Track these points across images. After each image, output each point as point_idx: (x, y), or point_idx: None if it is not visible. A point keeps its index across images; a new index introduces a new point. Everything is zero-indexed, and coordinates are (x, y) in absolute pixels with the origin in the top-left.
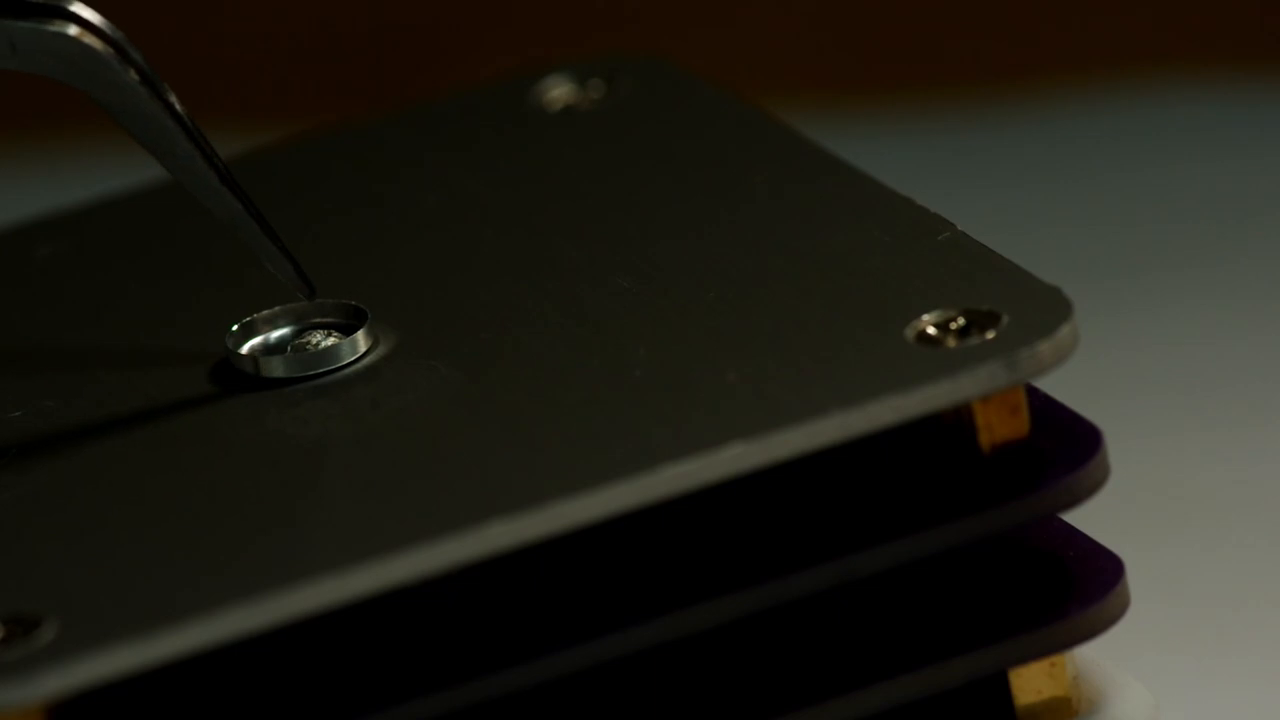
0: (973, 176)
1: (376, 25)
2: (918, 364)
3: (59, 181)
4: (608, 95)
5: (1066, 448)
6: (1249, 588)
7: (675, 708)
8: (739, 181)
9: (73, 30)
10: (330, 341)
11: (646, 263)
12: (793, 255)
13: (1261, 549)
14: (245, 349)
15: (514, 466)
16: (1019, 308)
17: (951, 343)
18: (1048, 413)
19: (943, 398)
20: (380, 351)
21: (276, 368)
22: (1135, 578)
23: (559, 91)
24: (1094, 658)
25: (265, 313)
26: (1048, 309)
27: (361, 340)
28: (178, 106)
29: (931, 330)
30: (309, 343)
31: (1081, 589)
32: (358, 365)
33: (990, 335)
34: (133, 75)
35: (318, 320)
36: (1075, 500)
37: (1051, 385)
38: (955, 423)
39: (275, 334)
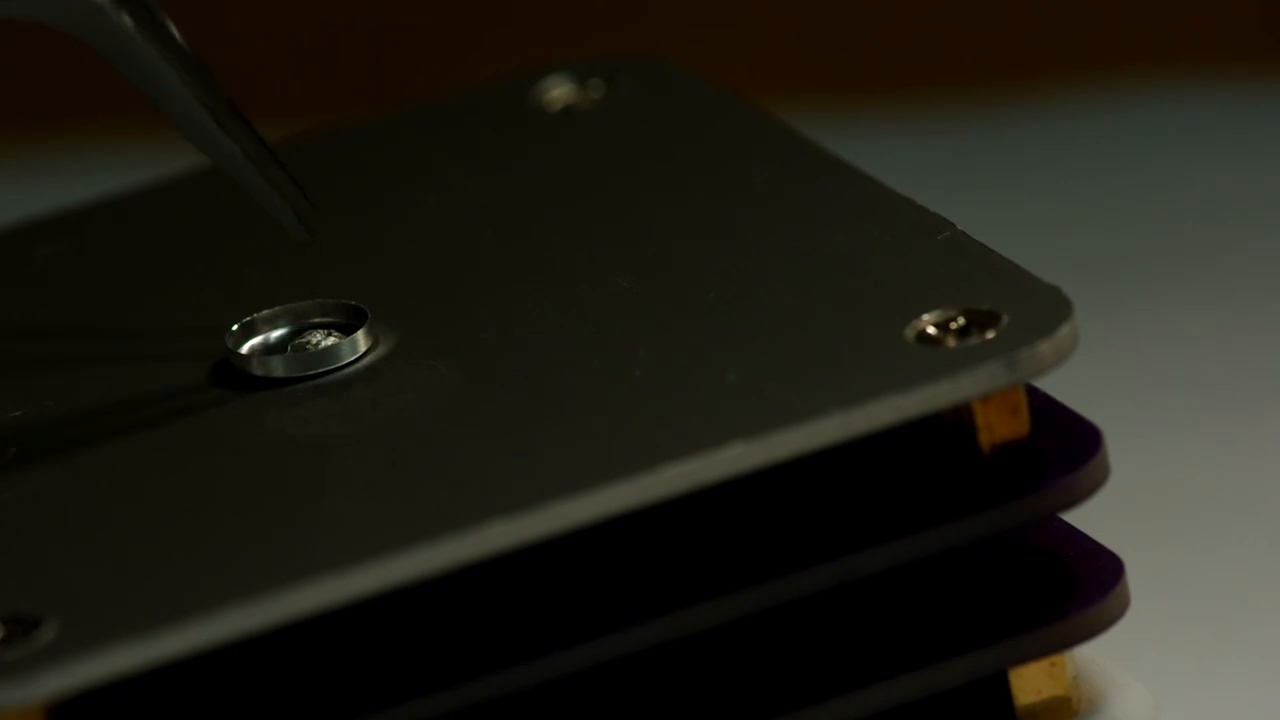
0: (973, 176)
1: (376, 25)
2: (918, 364)
3: (59, 181)
4: (608, 95)
5: (1066, 448)
6: (1249, 588)
7: (675, 708)
8: (739, 181)
9: None
10: (330, 341)
11: (646, 263)
12: (793, 255)
13: (1261, 549)
14: (245, 349)
15: (514, 466)
16: (1019, 308)
17: (951, 343)
18: (1048, 413)
19: (943, 398)
20: (380, 351)
21: (276, 368)
22: (1135, 578)
23: (559, 91)
24: (1094, 658)
25: (265, 313)
26: (1048, 309)
27: (361, 340)
28: (179, 38)
29: (931, 330)
30: (309, 343)
31: (1081, 589)
32: (358, 365)
33: (990, 335)
34: (127, 20)
35: (318, 320)
36: (1075, 500)
37: (1051, 385)
38: (955, 423)
39: (275, 334)
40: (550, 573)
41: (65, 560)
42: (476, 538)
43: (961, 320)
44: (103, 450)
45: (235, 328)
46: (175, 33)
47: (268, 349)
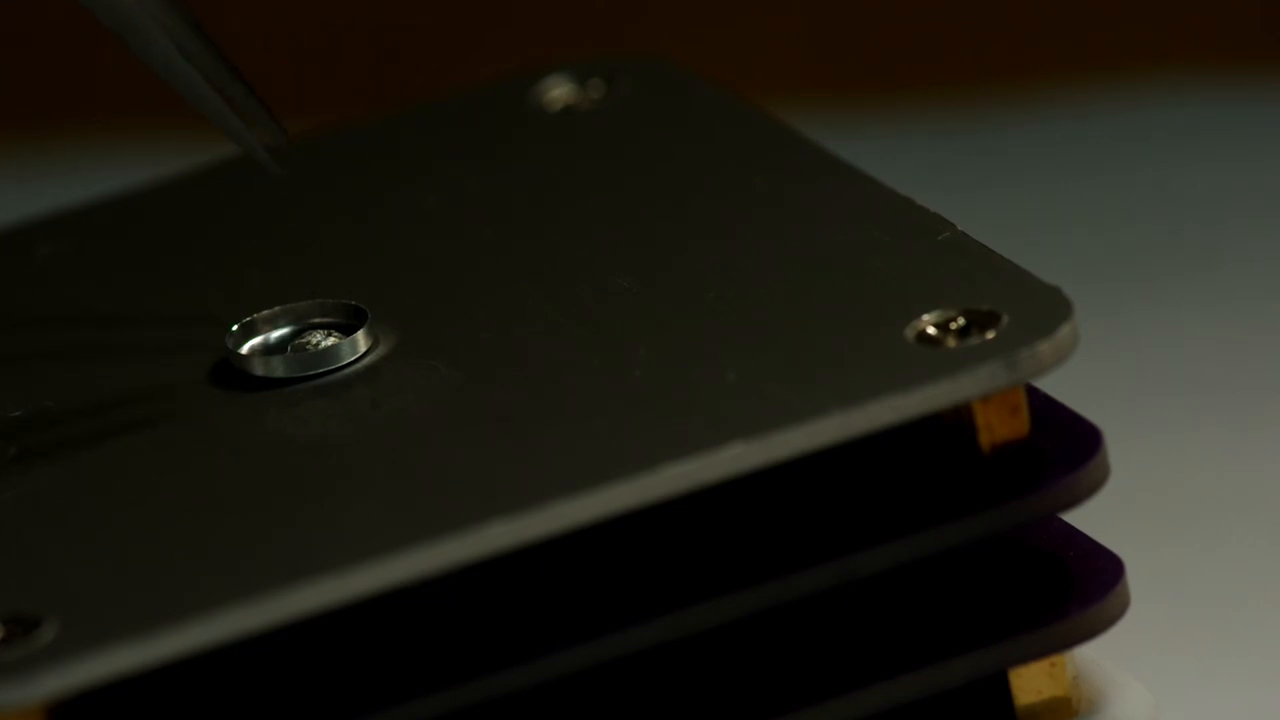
0: (973, 176)
1: (376, 25)
2: (918, 364)
3: (59, 181)
4: (608, 95)
5: (1066, 448)
6: (1249, 588)
7: (675, 708)
8: (739, 181)
9: None
10: (330, 341)
11: (646, 263)
12: (792, 255)
13: (1261, 549)
14: (245, 349)
15: (514, 466)
16: (1019, 308)
17: (951, 343)
18: (1048, 413)
19: (943, 398)
20: (380, 351)
21: (276, 368)
22: (1135, 578)
23: (559, 91)
24: (1094, 658)
25: (265, 313)
26: (1048, 309)
27: (361, 340)
28: None
29: (931, 330)
30: (309, 343)
31: (1081, 589)
32: (358, 365)
33: (990, 335)
34: None
35: (318, 320)
36: (1075, 500)
37: (1051, 385)
38: (955, 423)
39: (275, 334)
40: (550, 573)
41: (65, 560)
42: (476, 538)
43: (961, 320)
44: (103, 450)
45: (235, 328)
46: None
47: (268, 349)
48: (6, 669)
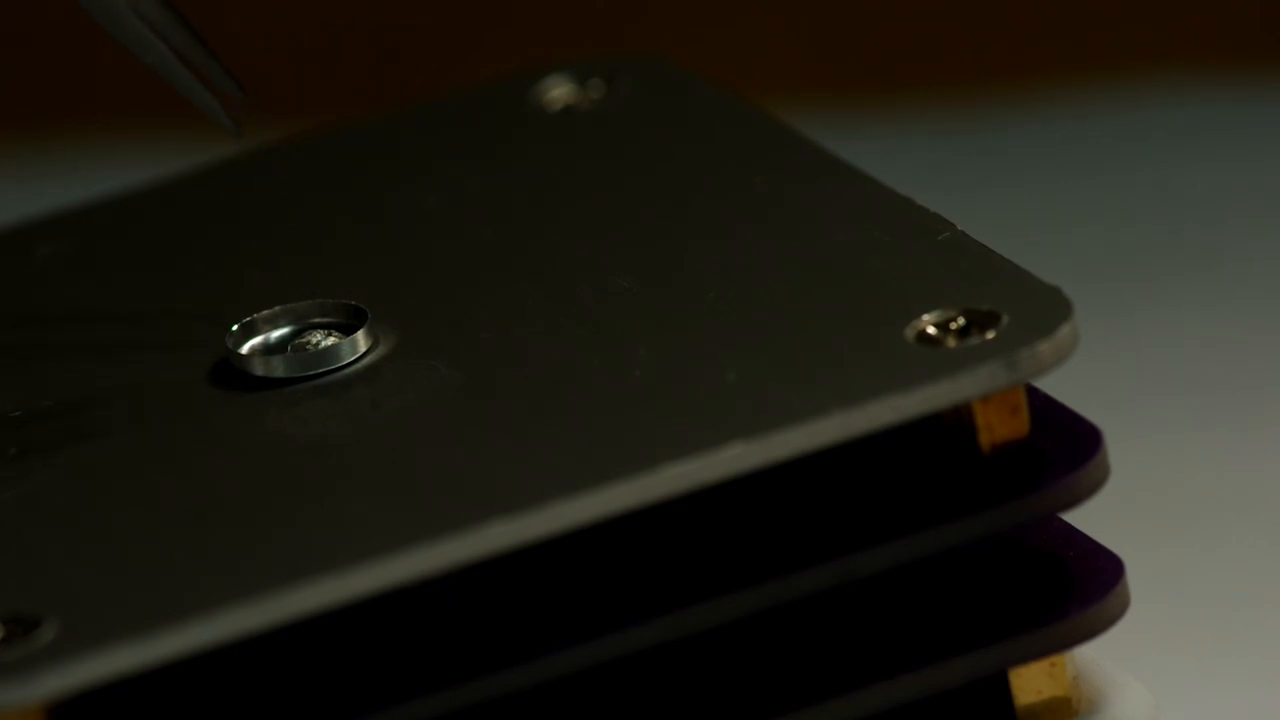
0: (973, 176)
1: (376, 25)
2: (918, 364)
3: (59, 181)
4: (608, 95)
5: (1066, 448)
6: (1249, 588)
7: (675, 708)
8: (739, 181)
9: None
10: (330, 341)
11: (646, 263)
12: (793, 255)
13: (1261, 549)
14: (245, 349)
15: (514, 466)
16: (1019, 308)
17: (951, 343)
18: (1048, 413)
19: (943, 398)
20: (380, 351)
21: (276, 368)
22: (1135, 578)
23: (559, 91)
24: (1094, 658)
25: (265, 313)
26: (1048, 309)
27: (361, 340)
28: None
29: (931, 330)
30: (309, 343)
31: (1081, 589)
32: (358, 365)
33: (990, 335)
34: None
35: (318, 320)
36: (1075, 500)
37: (1051, 385)
38: (955, 423)
39: (275, 334)
40: (550, 573)
41: (65, 560)
42: (476, 538)
43: (961, 320)
44: (103, 450)
45: (235, 328)
46: None
47: (268, 349)
48: (6, 669)
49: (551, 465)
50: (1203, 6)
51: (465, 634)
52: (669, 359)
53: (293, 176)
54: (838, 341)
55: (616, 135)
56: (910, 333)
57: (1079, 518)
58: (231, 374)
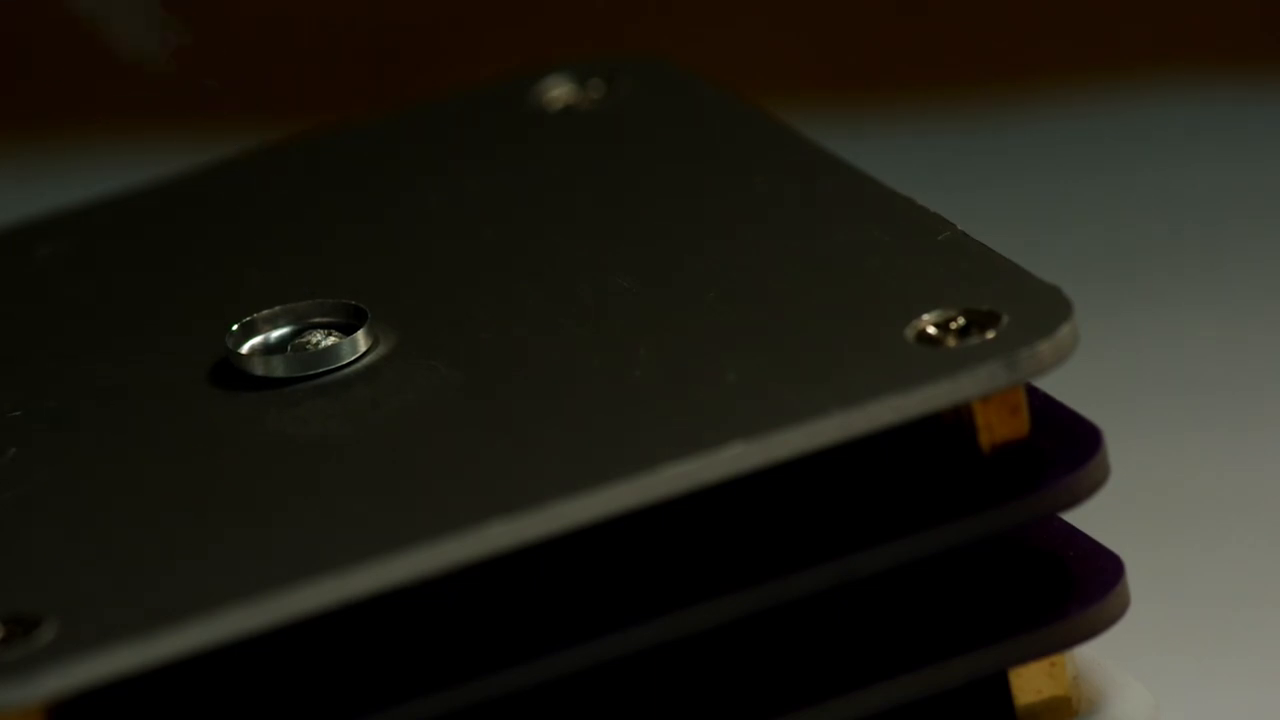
0: (973, 176)
1: (376, 25)
2: (918, 364)
3: (59, 181)
4: (608, 95)
5: (1066, 448)
6: (1249, 588)
7: (675, 708)
8: (739, 181)
9: None
10: (330, 341)
11: (647, 262)
12: (793, 255)
13: (1261, 549)
14: (245, 349)
15: (514, 466)
16: (1019, 308)
17: (951, 343)
18: (1048, 413)
19: (943, 398)
20: (380, 351)
21: (276, 367)
22: (1135, 578)
23: (559, 91)
24: (1094, 658)
25: (265, 313)
26: (1048, 309)
27: (361, 340)
28: None
29: (931, 330)
30: (309, 342)
31: (1081, 589)
32: (358, 365)
33: (990, 335)
34: None
35: (318, 320)
36: (1075, 500)
37: (1051, 385)
38: (955, 423)
39: (275, 334)
40: (550, 573)
41: (65, 560)
42: (476, 538)
43: (961, 320)
44: (102, 450)
45: (235, 328)
46: None
47: (268, 348)
48: (6, 669)
49: (551, 465)
50: (1203, 6)
51: (465, 634)
52: (669, 359)
53: (293, 176)
54: (838, 341)
55: (616, 135)
56: (910, 333)
57: (1079, 518)
58: (231, 374)
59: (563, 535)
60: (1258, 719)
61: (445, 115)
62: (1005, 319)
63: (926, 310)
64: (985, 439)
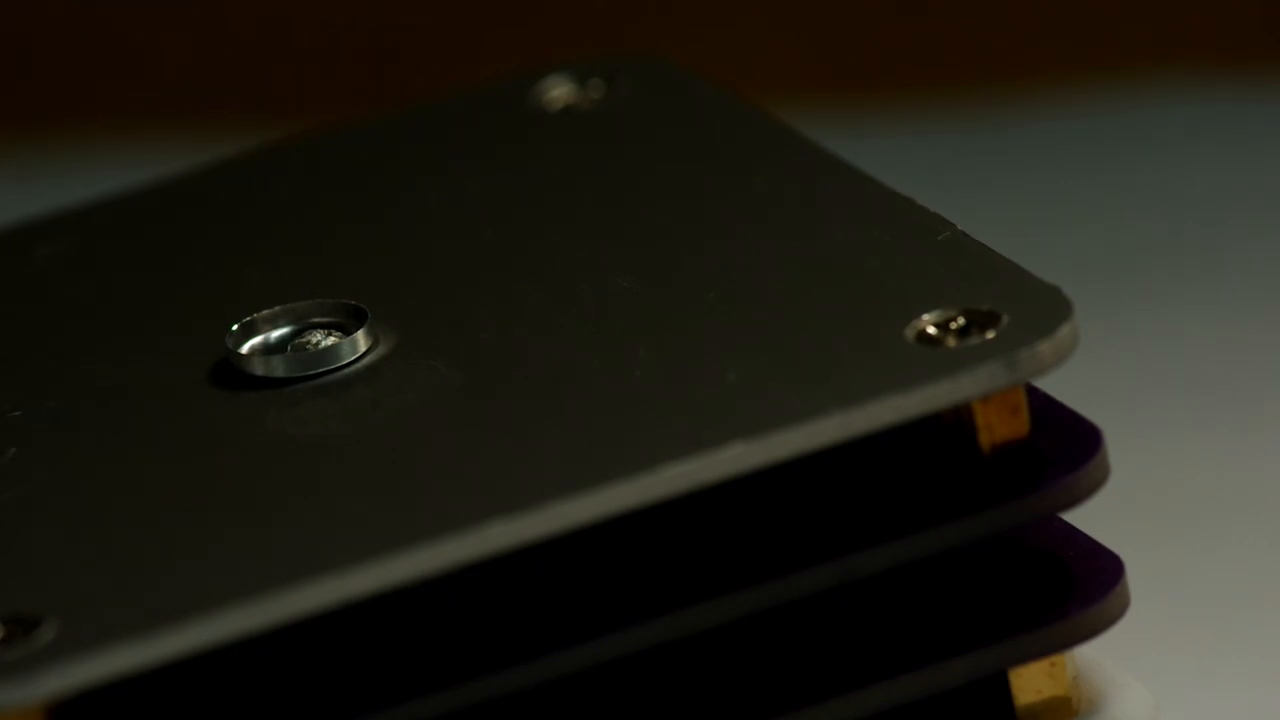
0: (973, 176)
1: (376, 25)
2: (918, 364)
3: (59, 181)
4: (608, 95)
5: (1066, 448)
6: (1249, 588)
7: (675, 708)
8: (739, 181)
9: None
10: (330, 341)
11: (646, 263)
12: (793, 255)
13: (1261, 549)
14: (245, 349)
15: (514, 466)
16: (1019, 308)
17: (951, 343)
18: (1048, 413)
19: (943, 398)
20: (380, 351)
21: (276, 367)
22: (1135, 578)
23: (559, 91)
24: (1094, 658)
25: (265, 313)
26: (1048, 309)
27: (361, 340)
28: None
29: (931, 330)
30: (309, 342)
31: (1081, 589)
32: (358, 365)
33: (990, 335)
34: None
35: (318, 320)
36: (1075, 500)
37: (1051, 385)
38: (955, 423)
39: (275, 334)
40: (550, 573)
41: (65, 560)
42: (476, 538)
43: (961, 320)
44: (102, 450)
45: (235, 328)
46: None
47: (268, 348)
48: (6, 669)
49: (551, 465)
50: (1203, 6)
51: (465, 634)
52: (669, 359)
53: (293, 176)
54: (838, 341)
55: (616, 135)
56: (910, 333)
57: (1079, 518)
58: (231, 374)
59: (563, 535)
60: (1258, 719)
61: (445, 115)
62: (1005, 319)
63: (926, 310)
64: (985, 439)
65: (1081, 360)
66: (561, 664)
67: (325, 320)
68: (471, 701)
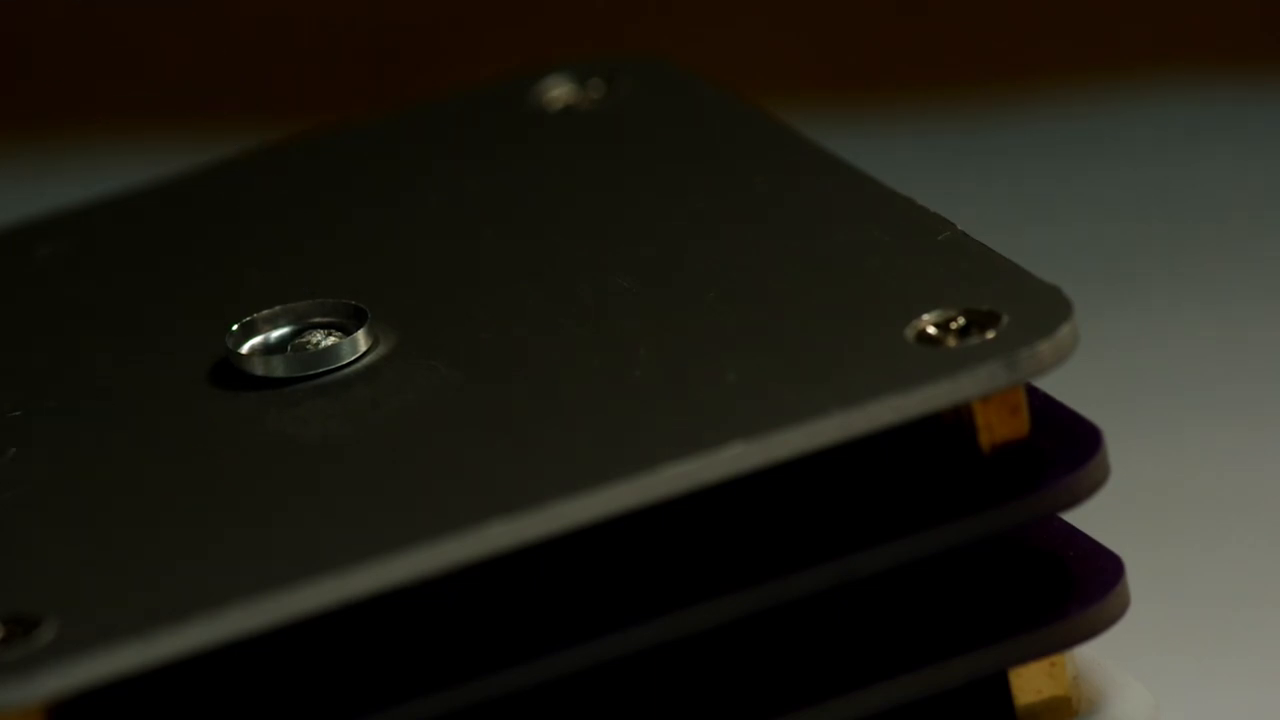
0: (973, 176)
1: (376, 25)
2: (918, 364)
3: (59, 181)
4: (608, 95)
5: (1066, 448)
6: (1249, 588)
7: (675, 708)
8: (739, 181)
9: None
10: (330, 341)
11: (646, 263)
12: (793, 255)
13: (1261, 549)
14: (245, 349)
15: (514, 466)
16: (1019, 308)
17: (951, 343)
18: (1048, 413)
19: (943, 398)
20: (380, 351)
21: (276, 367)
22: (1135, 578)
23: (559, 91)
24: (1094, 658)
25: (265, 313)
26: (1048, 309)
27: (361, 340)
28: None
29: (931, 330)
30: (309, 342)
31: (1081, 589)
32: (358, 365)
33: (990, 335)
34: None
35: (318, 320)
36: (1075, 500)
37: (1051, 385)
38: (955, 423)
39: (275, 334)
40: (550, 573)
41: (65, 560)
42: (476, 538)
43: (961, 320)
44: (102, 450)
45: (235, 328)
46: None
47: (268, 348)
48: (6, 669)
49: (551, 465)
50: (1203, 6)
51: (465, 634)
52: (669, 359)
53: (293, 176)
54: (838, 341)
55: (616, 135)
56: (910, 333)
57: (1079, 518)
58: (231, 374)
59: (563, 535)
60: (1258, 719)
61: (445, 115)
62: (1005, 319)
63: (926, 310)
64: (985, 439)
65: (1081, 360)
66: (561, 664)
67: (325, 320)
68: (471, 701)
